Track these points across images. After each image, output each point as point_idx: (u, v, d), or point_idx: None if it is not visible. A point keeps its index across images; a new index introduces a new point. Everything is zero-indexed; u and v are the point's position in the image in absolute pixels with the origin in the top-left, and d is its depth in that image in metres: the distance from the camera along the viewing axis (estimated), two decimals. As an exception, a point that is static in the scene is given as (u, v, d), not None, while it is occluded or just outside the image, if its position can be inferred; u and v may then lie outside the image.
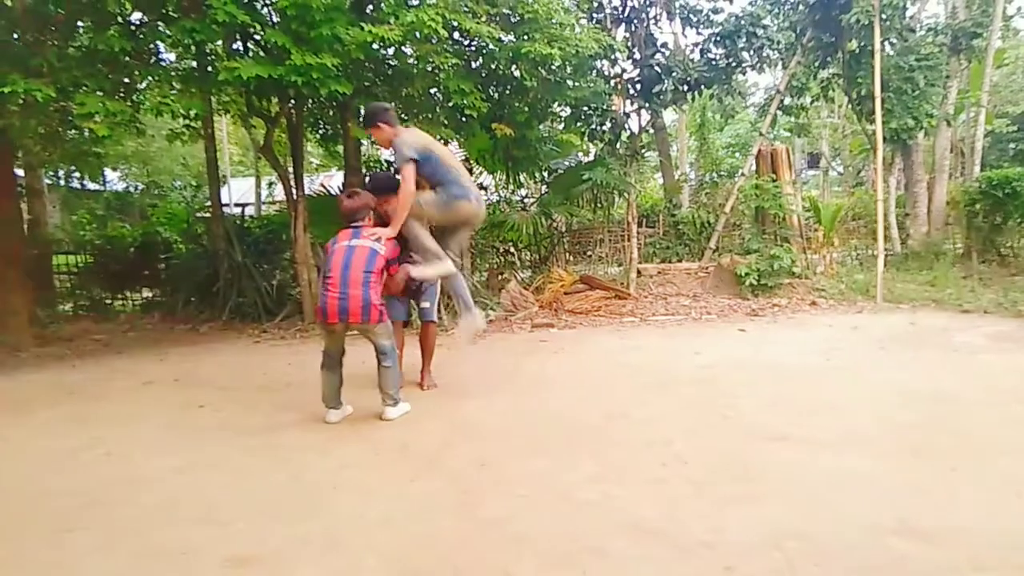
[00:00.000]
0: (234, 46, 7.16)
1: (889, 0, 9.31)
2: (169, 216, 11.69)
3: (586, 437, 3.74)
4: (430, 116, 7.53)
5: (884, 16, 9.31)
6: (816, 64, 11.12)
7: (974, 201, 10.28)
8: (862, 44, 9.96)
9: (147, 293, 10.58)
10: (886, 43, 10.02)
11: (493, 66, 7.55)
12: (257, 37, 7.08)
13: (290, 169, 8.23)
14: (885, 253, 8.79)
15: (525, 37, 7.05)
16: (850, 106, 11.88)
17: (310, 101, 7.98)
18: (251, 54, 7.00)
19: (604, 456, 3.41)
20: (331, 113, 8.69)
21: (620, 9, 9.77)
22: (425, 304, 4.80)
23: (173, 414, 4.54)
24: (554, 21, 7.12)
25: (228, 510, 2.91)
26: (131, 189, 19.34)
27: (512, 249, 10.83)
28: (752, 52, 9.94)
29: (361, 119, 5.45)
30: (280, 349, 6.96)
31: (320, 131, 9.96)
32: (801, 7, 10.45)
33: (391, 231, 4.20)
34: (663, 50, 10.06)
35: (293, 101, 7.53)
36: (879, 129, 8.85)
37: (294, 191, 8.04)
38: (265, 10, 6.98)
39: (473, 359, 6.14)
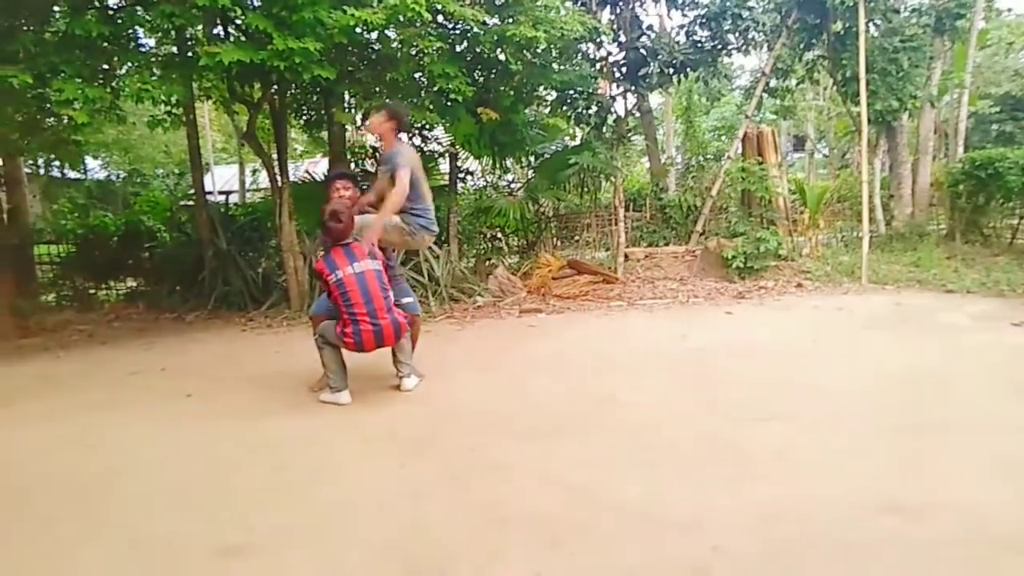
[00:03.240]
0: (215, 31, 7.04)
1: (873, -20, 9.30)
2: (152, 204, 11.55)
3: (575, 421, 3.75)
4: (415, 100, 7.45)
5: (869, -4, 9.29)
6: (801, 46, 11.10)
7: (957, 182, 10.34)
8: (847, 25, 9.94)
9: (131, 283, 10.47)
10: (870, 24, 10.00)
11: (478, 50, 7.48)
12: (238, 21, 6.96)
13: (274, 156, 8.14)
14: (870, 235, 8.85)
15: (510, 20, 6.99)
16: (835, 88, 11.89)
17: (293, 86, 7.89)
18: (232, 39, 6.89)
19: (593, 440, 3.43)
20: (315, 99, 8.59)
21: (606, -10, 9.71)
22: (407, 299, 4.78)
23: (160, 404, 4.51)
24: (539, 3, 7.07)
25: (215, 499, 2.90)
26: (113, 177, 19.07)
27: (499, 235, 10.80)
28: (738, 34, 9.91)
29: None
30: (267, 338, 6.92)
31: (304, 117, 9.85)
32: (786, -13, 10.41)
33: (377, 228, 4.30)
34: (648, 32, 10.01)
35: (276, 86, 7.44)
36: (864, 111, 8.87)
37: (278, 178, 7.97)
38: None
39: (462, 345, 6.14)
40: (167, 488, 3.06)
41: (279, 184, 7.94)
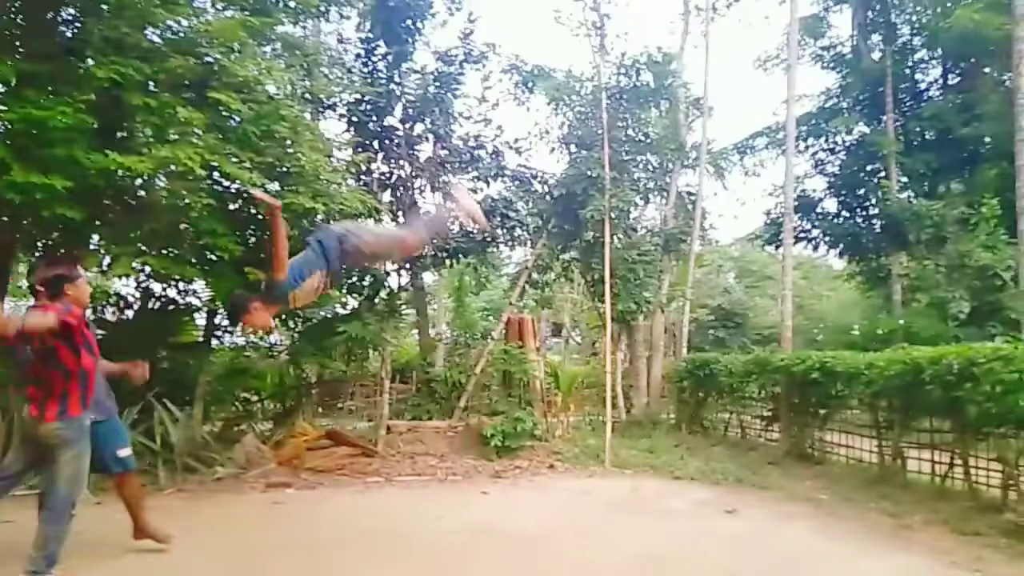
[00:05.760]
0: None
1: (616, 204, 11.00)
2: None
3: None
4: (175, 252, 7.04)
5: (613, 216, 10.92)
6: (559, 247, 12.53)
7: (682, 379, 11.89)
8: (596, 236, 11.48)
9: None
10: (614, 238, 11.66)
11: (252, 211, 7.40)
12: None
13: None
14: (613, 420, 9.66)
15: (289, 189, 7.05)
16: (586, 286, 13.44)
17: (29, 220, 7.05)
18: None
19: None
20: (55, 235, 7.70)
21: (387, 176, 10.32)
22: (122, 452, 4.26)
23: None
24: (321, 178, 7.26)
25: None
26: None
27: (254, 399, 10.11)
28: (505, 230, 10.98)
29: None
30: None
31: (38, 253, 8.74)
32: (548, 198, 11.89)
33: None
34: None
35: (6, 219, 6.60)
36: (608, 309, 10.05)
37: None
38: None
39: (191, 524, 5.39)
40: None
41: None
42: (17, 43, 6.28)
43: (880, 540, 5.44)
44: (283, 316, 9.45)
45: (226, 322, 9.46)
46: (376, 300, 10.15)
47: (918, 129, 16.54)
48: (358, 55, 10.36)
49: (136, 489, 4.54)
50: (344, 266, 4.51)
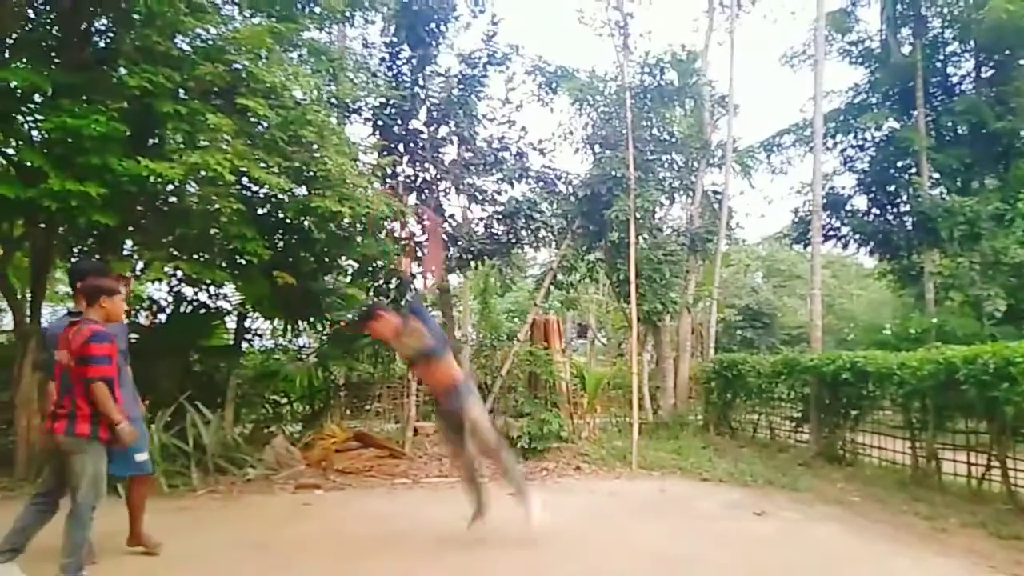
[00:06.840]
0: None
1: (641, 204, 10.94)
2: None
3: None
4: (206, 257, 7.15)
5: (638, 216, 10.85)
6: (584, 248, 12.48)
7: (710, 379, 11.77)
8: (621, 236, 11.41)
9: None
10: (640, 238, 11.59)
11: (281, 215, 7.48)
12: (10, 151, 6.39)
13: (28, 297, 7.22)
14: (639, 422, 9.59)
15: (316, 192, 7.13)
16: (611, 287, 13.37)
17: (65, 227, 7.23)
18: (-1, 169, 6.28)
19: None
20: (90, 241, 7.89)
21: (413, 179, 10.38)
22: (140, 456, 4.35)
23: None
24: (347, 181, 7.32)
25: None
26: None
27: (283, 401, 10.22)
28: (529, 232, 10.98)
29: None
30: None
31: (73, 258, 8.96)
32: (572, 199, 11.85)
33: None
34: (451, 220, 10.73)
35: (43, 225, 6.77)
36: (634, 310, 9.99)
37: (27, 322, 7.02)
38: (26, 125, 6.37)
39: (220, 526, 5.49)
40: None
41: (24, 330, 6.98)
42: (53, 54, 6.45)
43: (915, 543, 5.34)
44: (312, 319, 9.59)
45: (256, 325, 9.65)
46: (403, 303, 10.21)
47: (950, 124, 16.18)
48: (383, 59, 10.42)
49: (145, 495, 4.60)
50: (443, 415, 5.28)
